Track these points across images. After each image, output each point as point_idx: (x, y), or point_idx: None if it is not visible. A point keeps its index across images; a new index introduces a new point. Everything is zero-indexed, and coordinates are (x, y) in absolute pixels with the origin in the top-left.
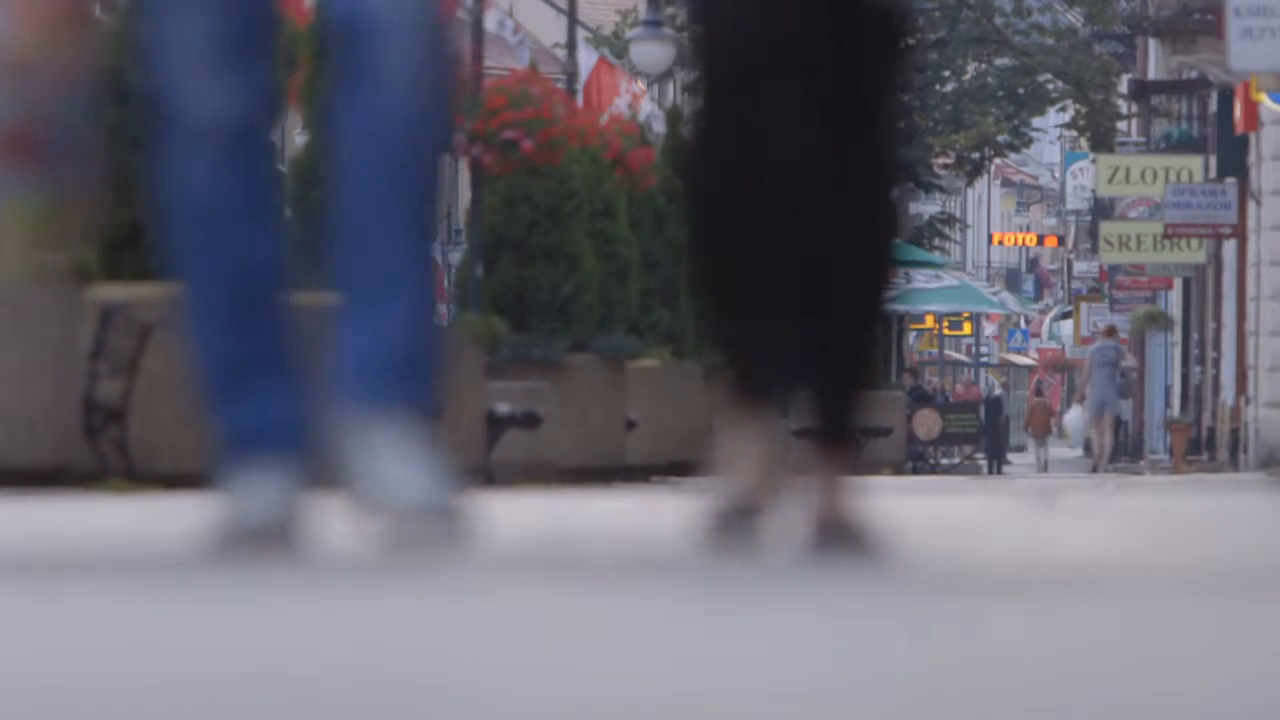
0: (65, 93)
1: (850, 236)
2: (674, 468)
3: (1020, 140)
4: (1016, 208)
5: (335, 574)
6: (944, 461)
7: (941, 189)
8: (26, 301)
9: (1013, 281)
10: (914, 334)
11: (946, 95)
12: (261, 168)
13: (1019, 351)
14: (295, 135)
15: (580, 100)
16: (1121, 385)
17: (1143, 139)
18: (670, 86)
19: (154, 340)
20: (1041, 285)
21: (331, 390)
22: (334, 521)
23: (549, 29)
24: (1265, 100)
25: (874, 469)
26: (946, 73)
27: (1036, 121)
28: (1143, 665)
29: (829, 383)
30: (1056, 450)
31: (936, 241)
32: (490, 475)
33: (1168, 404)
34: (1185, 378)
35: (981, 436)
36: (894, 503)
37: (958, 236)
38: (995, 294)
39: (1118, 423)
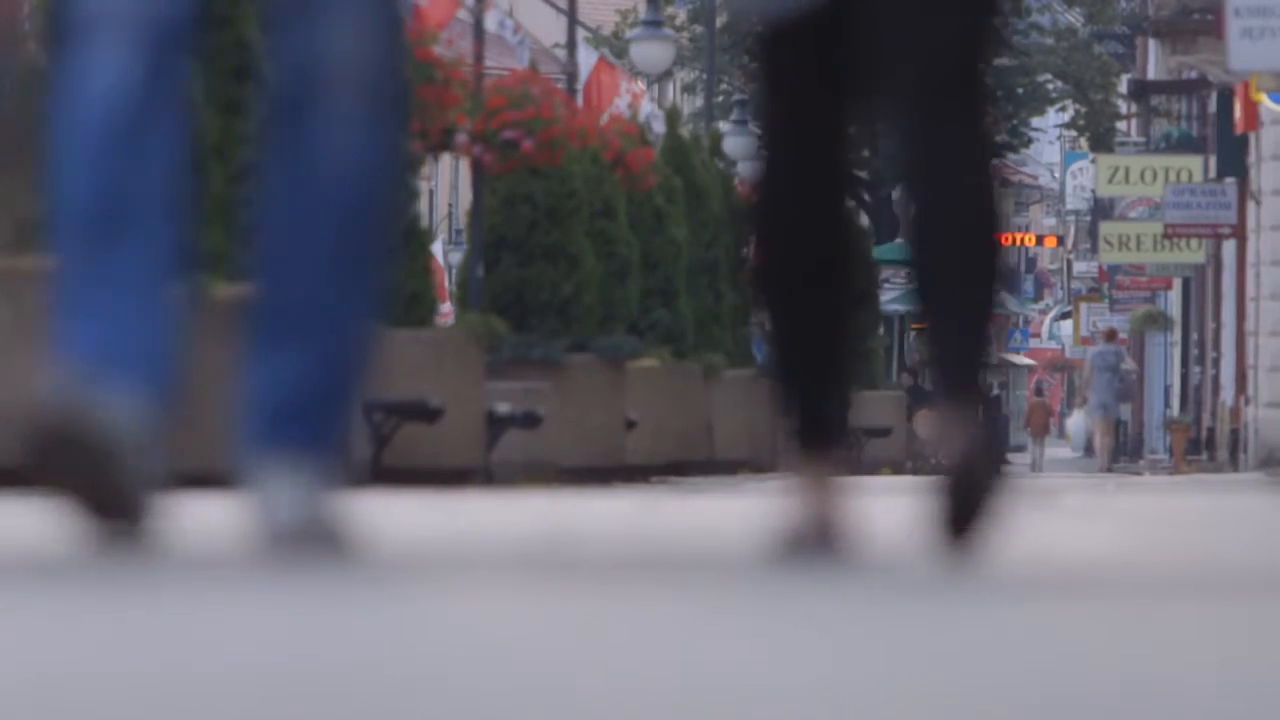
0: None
1: (948, 225)
2: (674, 467)
3: (1019, 140)
4: (1016, 208)
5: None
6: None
7: None
8: (26, 301)
9: (1012, 281)
10: (914, 334)
11: None
12: (173, 75)
13: (1018, 351)
14: None
15: (580, 100)
16: (1120, 389)
17: (1142, 139)
18: (670, 86)
19: None
20: (1041, 285)
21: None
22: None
23: (549, 29)
24: (1265, 100)
25: (874, 469)
26: None
27: (1036, 121)
28: (1143, 665)
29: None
30: (1057, 450)
31: None
32: (490, 475)
33: (1167, 404)
34: (1185, 378)
35: None
36: (894, 503)
37: None
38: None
39: (1117, 424)
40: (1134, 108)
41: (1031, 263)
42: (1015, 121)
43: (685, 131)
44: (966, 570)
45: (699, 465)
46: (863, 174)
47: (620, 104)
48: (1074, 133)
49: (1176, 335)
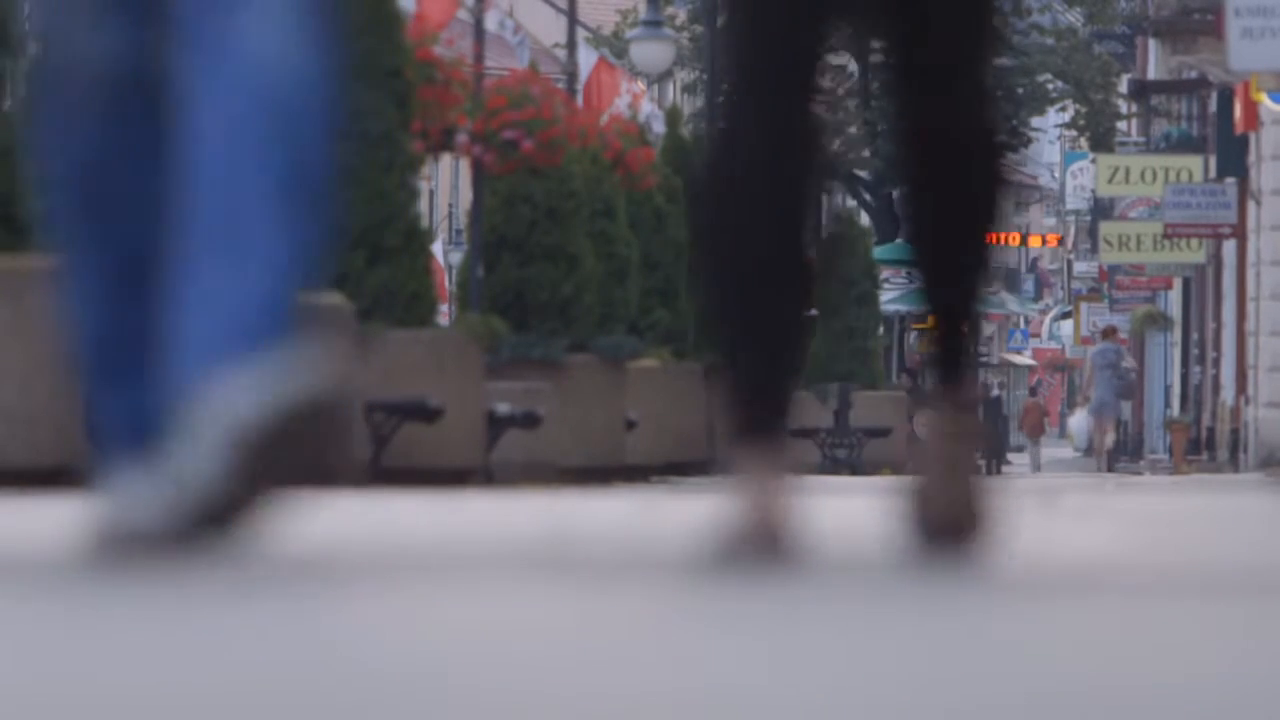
0: None
1: (948, 202)
2: (674, 467)
3: (1019, 140)
4: (1016, 208)
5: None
6: None
7: None
8: (26, 301)
9: (1012, 281)
10: (914, 334)
11: None
12: (152, 126)
13: (1018, 351)
14: None
15: (580, 100)
16: (1120, 387)
17: (1142, 139)
18: (670, 86)
19: None
20: (1041, 285)
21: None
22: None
23: (549, 29)
24: (1265, 100)
25: (874, 469)
26: None
27: (1036, 121)
28: (1143, 665)
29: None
30: (1057, 450)
31: None
32: (490, 475)
33: (1168, 404)
34: (1185, 378)
35: None
36: (893, 502)
37: None
38: (994, 294)
39: (1118, 423)
40: (1134, 108)
41: (1032, 263)
42: (1015, 121)
43: (685, 131)
44: (965, 571)
45: (699, 465)
46: (863, 174)
47: (620, 104)
48: (1074, 133)
49: (1176, 335)
